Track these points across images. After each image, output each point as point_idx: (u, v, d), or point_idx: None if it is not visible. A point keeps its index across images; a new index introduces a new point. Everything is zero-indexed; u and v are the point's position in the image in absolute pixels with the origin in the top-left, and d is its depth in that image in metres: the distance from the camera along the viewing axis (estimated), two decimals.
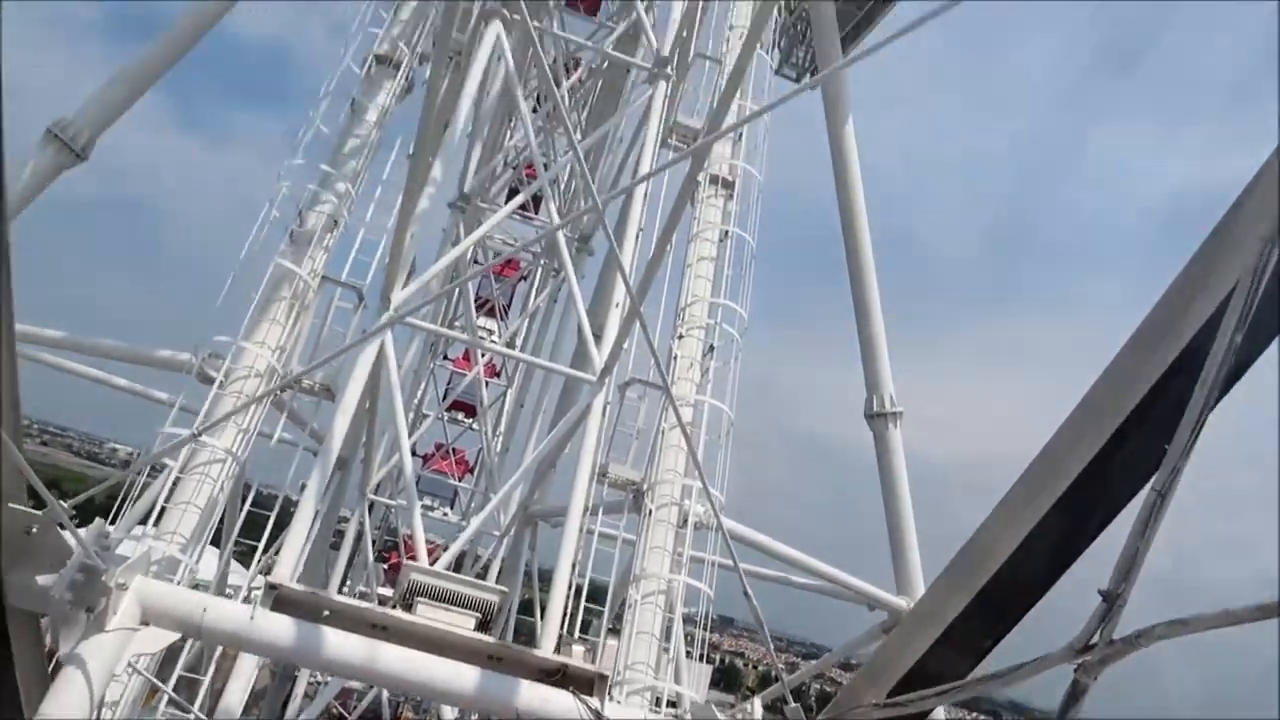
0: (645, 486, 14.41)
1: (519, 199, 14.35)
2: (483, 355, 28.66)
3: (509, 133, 22.21)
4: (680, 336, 14.98)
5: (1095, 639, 4.32)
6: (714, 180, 16.02)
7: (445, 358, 34.29)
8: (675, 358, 14.85)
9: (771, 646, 7.57)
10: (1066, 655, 4.41)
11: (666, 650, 13.25)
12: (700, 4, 16.66)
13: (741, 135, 16.75)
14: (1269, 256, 4.75)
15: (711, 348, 15.00)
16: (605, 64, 20.65)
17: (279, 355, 13.58)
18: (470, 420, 35.28)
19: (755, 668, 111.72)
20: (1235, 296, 4.76)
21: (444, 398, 34.54)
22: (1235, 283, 4.74)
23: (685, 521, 14.05)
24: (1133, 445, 5.15)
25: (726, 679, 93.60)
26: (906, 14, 22.39)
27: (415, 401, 29.80)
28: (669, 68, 13.40)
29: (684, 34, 15.17)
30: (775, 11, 19.95)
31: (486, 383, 28.74)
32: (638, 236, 12.96)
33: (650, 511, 14.00)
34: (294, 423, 14.41)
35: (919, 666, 5.87)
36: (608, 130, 17.20)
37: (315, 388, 14.51)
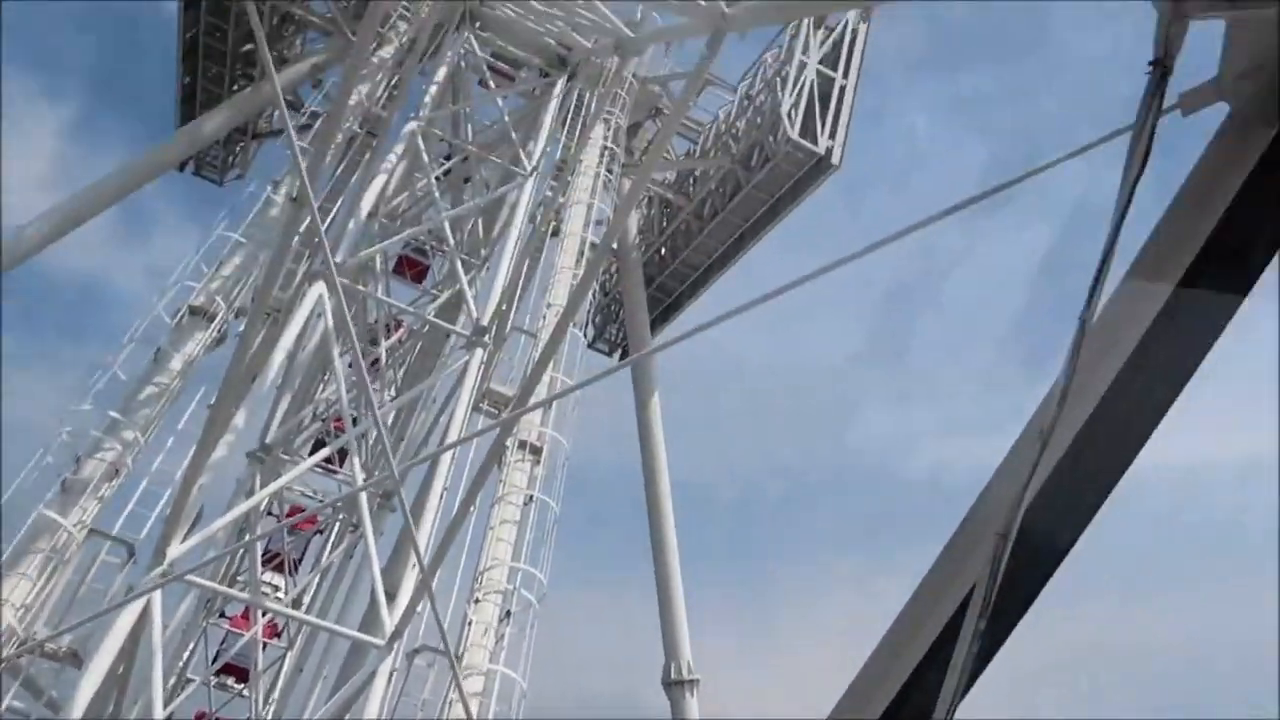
0: None
1: (323, 453, 14.14)
2: (263, 614, 26.56)
3: (321, 385, 22.11)
4: (477, 600, 14.64)
5: None
6: (522, 445, 16.40)
7: (222, 615, 31.44)
8: (470, 623, 14.42)
9: None
10: None
11: None
12: (520, 281, 17.79)
13: (552, 404, 17.41)
14: (1004, 550, 5.38)
15: (508, 613, 14.71)
16: (426, 327, 21.31)
17: (21, 615, 12.26)
18: (241, 686, 31.91)
19: None
20: (977, 589, 5.31)
21: (214, 660, 31.28)
22: (975, 581, 5.30)
23: None
24: None
25: None
26: (711, 308, 24.61)
27: (180, 665, 26.88)
28: (486, 337, 14.05)
29: (503, 307, 16.06)
30: (590, 294, 21.49)
31: (265, 644, 26.42)
32: (442, 495, 12.94)
33: None
34: (28, 690, 12.78)
35: None
36: (421, 391, 17.48)
37: (60, 652, 13.06)
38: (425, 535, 12.05)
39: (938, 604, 5.52)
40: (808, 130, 19.85)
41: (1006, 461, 5.37)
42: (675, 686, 17.78)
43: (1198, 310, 4.31)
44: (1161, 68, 3.56)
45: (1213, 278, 4.07)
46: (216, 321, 16.16)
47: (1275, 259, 3.97)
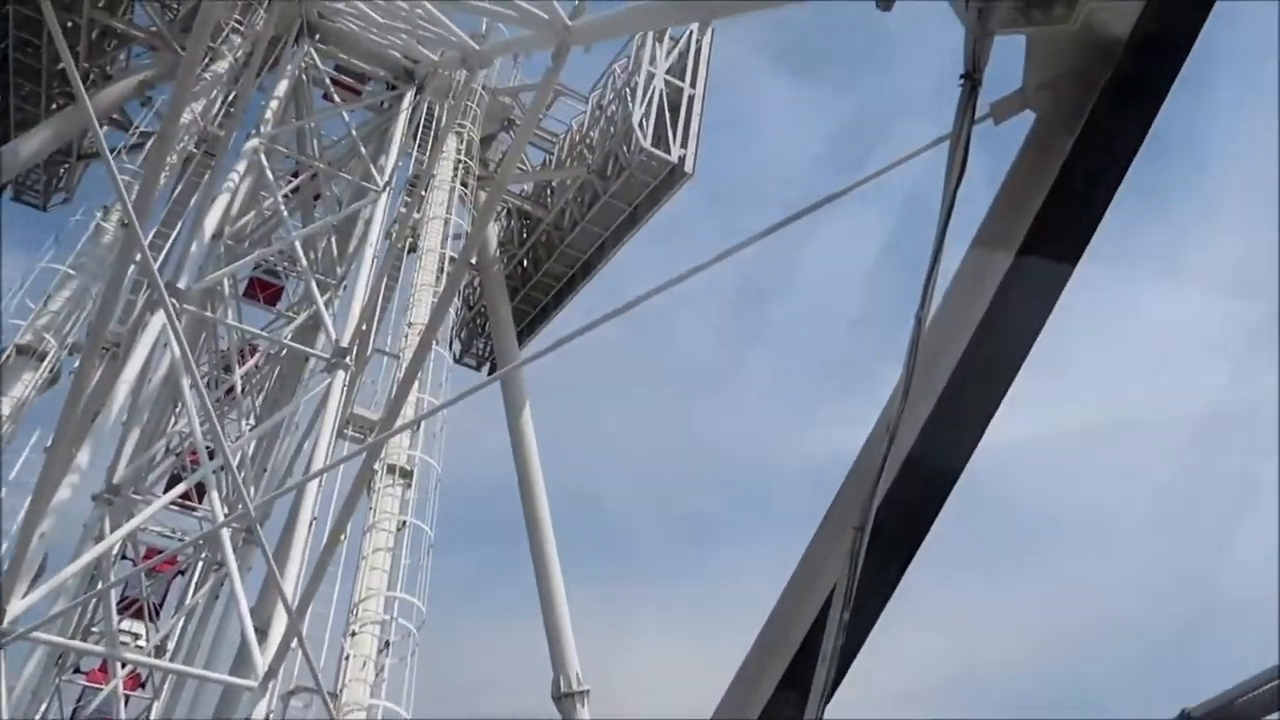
0: None
1: (178, 489, 13.45)
2: (123, 666, 25.00)
3: (173, 418, 21.01)
4: (354, 634, 14.18)
5: None
6: (391, 469, 16.00)
7: (77, 670, 29.42)
8: (348, 657, 13.96)
9: None
10: None
11: None
12: (380, 300, 17.38)
13: (420, 425, 17.06)
14: (861, 543, 5.60)
15: (388, 643, 14.31)
16: (283, 351, 20.55)
17: None
18: None
19: None
20: (839, 581, 5.52)
21: None
22: (838, 575, 5.50)
23: None
24: None
25: None
26: (577, 314, 24.64)
27: None
28: (348, 359, 13.64)
29: (364, 327, 15.62)
30: (452, 310, 21.19)
31: (127, 697, 24.88)
32: (311, 525, 12.49)
33: None
34: None
35: None
36: (281, 419, 16.84)
37: None
38: (295, 568, 11.60)
39: (805, 600, 5.70)
40: (660, 139, 20.17)
41: (859, 458, 5.60)
42: (566, 700, 17.68)
43: (1022, 304, 4.59)
44: (971, 80, 3.79)
45: (1032, 275, 4.35)
46: (48, 360, 15.07)
47: (1084, 256, 4.29)
